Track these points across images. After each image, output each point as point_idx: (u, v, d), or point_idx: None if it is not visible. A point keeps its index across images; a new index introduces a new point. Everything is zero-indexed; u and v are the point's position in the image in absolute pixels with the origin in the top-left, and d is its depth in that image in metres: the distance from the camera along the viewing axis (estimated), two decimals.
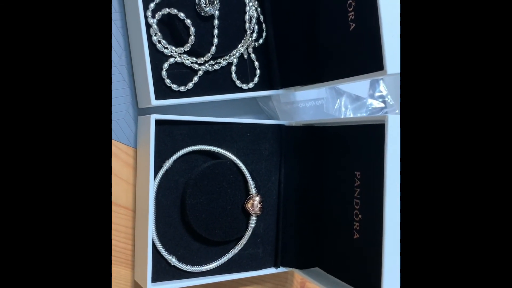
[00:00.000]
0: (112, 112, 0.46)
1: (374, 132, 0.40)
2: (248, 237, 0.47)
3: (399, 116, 0.38)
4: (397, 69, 0.38)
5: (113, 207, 0.46)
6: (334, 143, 0.47)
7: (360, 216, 0.43)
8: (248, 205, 0.46)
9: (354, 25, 0.42)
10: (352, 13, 0.42)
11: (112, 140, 0.46)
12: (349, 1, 0.42)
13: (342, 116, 0.60)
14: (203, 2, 0.44)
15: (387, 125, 0.38)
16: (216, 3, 0.44)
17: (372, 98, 0.62)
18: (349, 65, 0.43)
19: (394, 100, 0.63)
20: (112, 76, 0.46)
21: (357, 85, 0.60)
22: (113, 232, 0.46)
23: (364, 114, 0.61)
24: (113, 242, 0.46)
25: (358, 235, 0.43)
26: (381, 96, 0.63)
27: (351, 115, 0.60)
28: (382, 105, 0.62)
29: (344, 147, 0.46)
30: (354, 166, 0.44)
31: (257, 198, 0.47)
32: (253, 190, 0.47)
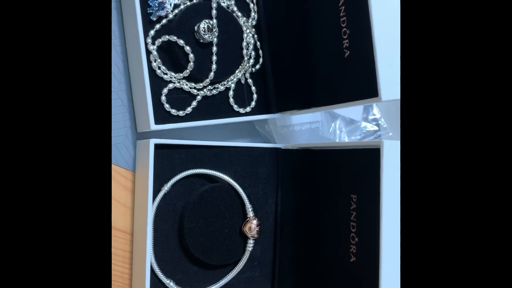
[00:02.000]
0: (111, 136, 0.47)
1: (370, 156, 0.41)
2: (245, 261, 0.47)
3: (395, 142, 0.39)
4: (392, 96, 0.39)
5: (111, 231, 0.46)
6: (330, 166, 0.48)
7: (356, 239, 0.43)
8: (246, 229, 0.47)
9: (348, 52, 0.43)
10: (347, 40, 0.43)
11: (111, 164, 0.47)
12: (343, 29, 0.43)
13: (337, 139, 0.61)
14: (202, 30, 0.45)
15: (382, 149, 0.39)
16: (215, 31, 0.45)
17: (366, 121, 0.63)
18: (344, 91, 0.44)
19: (387, 123, 0.64)
20: (112, 100, 0.47)
21: (351, 109, 0.62)
22: None
23: (358, 137, 0.62)
24: None
25: (354, 258, 0.44)
26: (375, 119, 0.64)
27: (346, 138, 0.61)
28: (376, 128, 0.64)
29: (340, 171, 0.46)
30: (350, 189, 0.44)
31: (255, 221, 0.47)
32: (250, 213, 0.47)
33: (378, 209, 0.39)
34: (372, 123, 0.64)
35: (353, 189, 0.44)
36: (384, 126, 0.64)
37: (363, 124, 0.63)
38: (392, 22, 0.39)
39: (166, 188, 0.45)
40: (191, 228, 0.45)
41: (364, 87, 0.41)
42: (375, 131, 0.63)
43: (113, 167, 0.47)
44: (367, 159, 0.42)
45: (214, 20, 0.46)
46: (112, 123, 0.47)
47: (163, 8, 0.45)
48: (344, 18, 0.43)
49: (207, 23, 0.45)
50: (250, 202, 0.47)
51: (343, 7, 0.43)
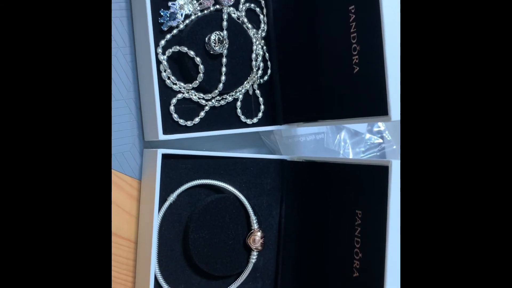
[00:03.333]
0: (118, 144, 0.47)
1: (378, 174, 0.41)
2: (248, 272, 0.47)
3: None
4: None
5: (115, 239, 0.47)
6: (335, 180, 0.48)
7: (360, 254, 0.44)
8: (250, 241, 0.47)
9: (358, 68, 0.43)
10: (357, 57, 0.43)
11: (117, 172, 0.47)
12: (353, 45, 0.43)
13: (342, 151, 0.61)
14: (212, 41, 0.45)
15: (391, 168, 0.39)
16: (225, 43, 0.45)
17: (370, 133, 0.64)
18: (352, 106, 0.44)
19: (391, 136, 0.65)
20: (120, 108, 0.47)
21: None
22: (114, 263, 0.46)
23: (363, 149, 0.63)
24: (113, 273, 0.46)
25: (358, 274, 0.44)
26: (379, 132, 0.64)
27: (350, 150, 0.62)
28: (380, 140, 0.64)
29: (345, 185, 0.47)
30: (355, 205, 0.45)
31: (259, 234, 0.47)
32: (255, 225, 0.47)
33: (385, 227, 0.39)
34: (376, 135, 0.64)
35: (358, 205, 0.44)
36: (388, 138, 0.64)
37: (368, 136, 0.63)
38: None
39: (172, 198, 0.45)
40: (195, 239, 0.45)
41: (373, 104, 0.41)
42: (379, 144, 0.64)
43: (119, 175, 0.47)
44: (374, 176, 0.42)
45: (225, 32, 0.46)
46: (120, 131, 0.47)
47: (174, 19, 0.45)
48: (355, 34, 0.43)
49: (217, 34, 0.45)
50: (255, 214, 0.48)
51: (354, 23, 0.43)
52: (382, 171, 0.40)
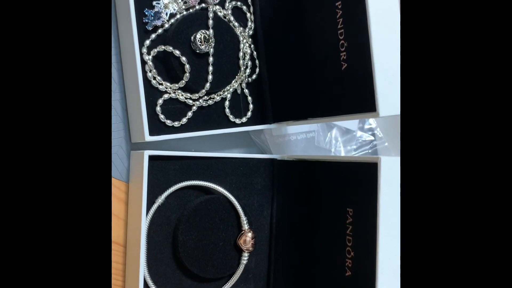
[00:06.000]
0: None
1: (367, 171, 0.41)
2: (240, 274, 0.47)
3: (393, 158, 0.39)
4: (390, 111, 0.38)
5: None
6: (326, 179, 0.48)
7: (352, 253, 0.43)
8: (241, 241, 0.46)
9: (346, 65, 0.43)
10: (344, 53, 0.43)
11: None
12: (341, 42, 0.43)
13: (333, 149, 0.60)
14: (198, 40, 0.44)
15: (380, 165, 0.39)
16: (212, 41, 0.45)
17: (362, 131, 0.63)
18: (341, 103, 0.44)
19: (383, 133, 0.64)
20: None
21: None
22: None
23: (354, 147, 0.62)
24: None
25: (350, 272, 0.43)
26: (370, 129, 0.64)
27: (342, 148, 0.61)
28: (372, 138, 0.63)
29: (336, 184, 0.46)
30: (346, 203, 0.44)
31: (250, 234, 0.46)
32: (245, 226, 0.47)
33: (375, 224, 0.39)
34: (368, 133, 0.63)
35: (349, 203, 0.44)
36: (380, 136, 0.64)
37: (359, 133, 0.63)
38: (392, 35, 0.39)
39: (160, 200, 0.44)
40: (185, 241, 0.45)
41: (362, 101, 0.40)
42: (371, 141, 0.63)
43: None
44: (364, 173, 0.41)
45: (211, 30, 0.45)
46: None
47: (159, 18, 0.44)
48: (342, 30, 0.43)
49: (203, 33, 0.44)
50: (245, 214, 0.47)
51: (341, 19, 0.43)
52: (371, 168, 0.40)
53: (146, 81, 0.44)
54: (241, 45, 0.48)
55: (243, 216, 0.47)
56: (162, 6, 0.44)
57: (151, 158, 0.44)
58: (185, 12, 0.45)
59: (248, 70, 0.49)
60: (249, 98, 0.49)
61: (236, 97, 0.49)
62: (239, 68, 0.48)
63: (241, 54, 0.48)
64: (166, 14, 0.44)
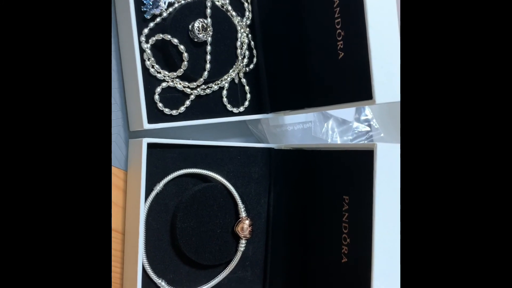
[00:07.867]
0: None
1: (363, 158, 0.41)
2: (237, 261, 0.47)
3: (388, 144, 0.40)
4: (387, 99, 0.39)
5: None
6: (323, 167, 0.48)
7: (348, 240, 0.44)
8: (238, 229, 0.47)
9: (343, 53, 0.43)
10: (341, 42, 0.43)
11: None
12: (338, 31, 0.43)
13: (330, 139, 0.61)
14: (196, 29, 0.44)
15: (376, 152, 0.39)
16: (209, 30, 0.45)
17: (358, 121, 0.64)
18: (338, 92, 0.44)
19: (379, 124, 0.65)
20: None
21: (344, 109, 0.62)
22: None
23: (350, 137, 0.63)
24: None
25: (346, 259, 0.44)
26: (367, 120, 0.64)
27: (338, 138, 0.62)
28: (368, 128, 0.64)
29: (332, 172, 0.46)
30: (342, 190, 0.45)
31: (247, 222, 0.47)
32: (243, 214, 0.47)
33: (371, 211, 0.39)
34: (364, 123, 0.64)
35: (345, 190, 0.44)
36: (376, 126, 0.65)
37: (355, 124, 0.63)
38: (388, 24, 0.40)
39: (158, 187, 0.45)
40: (183, 228, 0.45)
41: (358, 89, 0.41)
42: (367, 132, 0.64)
43: None
44: (360, 161, 0.42)
45: (209, 19, 0.45)
46: None
47: (157, 6, 0.44)
48: (339, 19, 0.43)
49: (201, 22, 0.45)
50: (243, 202, 0.47)
51: (338, 9, 0.43)
52: (367, 155, 0.40)
53: (145, 69, 0.44)
54: (239, 35, 0.48)
55: (240, 204, 0.47)
56: None
57: (150, 146, 0.44)
58: (183, 1, 0.45)
59: (245, 60, 0.49)
60: (247, 87, 0.50)
61: (234, 86, 0.49)
62: (237, 57, 0.48)
63: (238, 43, 0.48)
64: (165, 2, 0.45)
